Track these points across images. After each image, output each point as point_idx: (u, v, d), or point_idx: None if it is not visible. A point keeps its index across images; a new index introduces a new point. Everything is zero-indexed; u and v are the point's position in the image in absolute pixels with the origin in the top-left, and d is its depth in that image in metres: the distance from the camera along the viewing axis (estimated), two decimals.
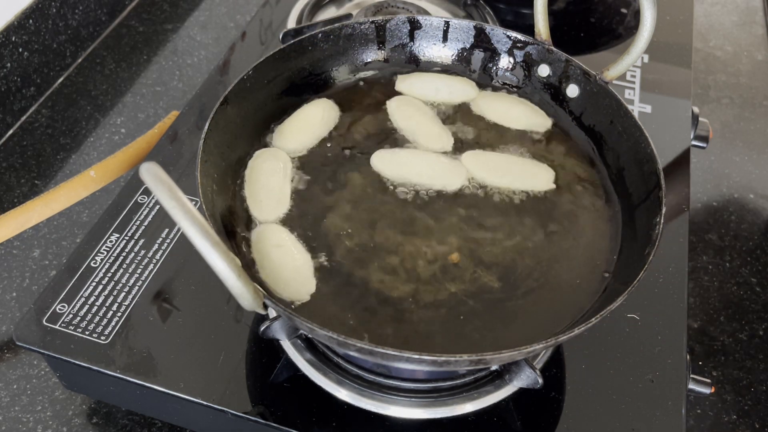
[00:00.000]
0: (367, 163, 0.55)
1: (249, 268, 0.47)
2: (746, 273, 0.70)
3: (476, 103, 0.60)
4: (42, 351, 0.49)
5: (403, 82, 0.61)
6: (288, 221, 0.50)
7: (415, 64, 0.63)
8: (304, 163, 0.54)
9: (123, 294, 0.53)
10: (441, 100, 0.60)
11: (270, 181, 0.52)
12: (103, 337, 0.50)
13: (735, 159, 0.81)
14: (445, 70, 0.62)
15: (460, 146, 0.57)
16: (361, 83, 0.61)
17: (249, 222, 0.50)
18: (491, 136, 0.58)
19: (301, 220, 0.50)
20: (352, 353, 0.42)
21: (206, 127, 0.49)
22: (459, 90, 0.61)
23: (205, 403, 0.48)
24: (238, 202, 0.51)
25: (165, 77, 0.84)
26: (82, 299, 0.52)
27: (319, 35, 0.59)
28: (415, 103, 0.59)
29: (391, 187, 0.53)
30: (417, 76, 0.61)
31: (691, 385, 0.52)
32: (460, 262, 0.49)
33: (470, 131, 0.58)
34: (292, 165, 0.54)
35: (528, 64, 0.60)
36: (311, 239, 0.49)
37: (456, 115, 0.59)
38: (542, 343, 0.40)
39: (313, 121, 0.57)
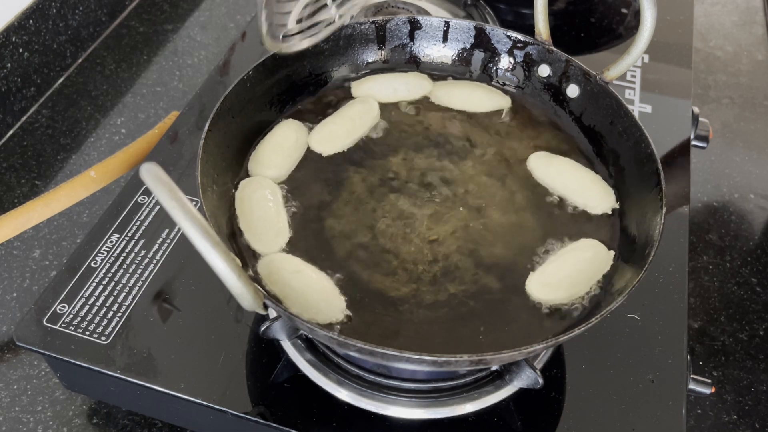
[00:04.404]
0: (354, 172, 0.54)
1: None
2: (746, 273, 0.70)
3: (435, 95, 0.60)
4: (42, 351, 0.49)
5: (359, 87, 0.60)
6: (293, 248, 0.49)
7: (415, 65, 0.63)
8: (292, 186, 0.53)
9: (123, 294, 0.53)
10: (401, 98, 0.60)
11: (265, 212, 0.50)
12: (103, 338, 0.50)
13: (735, 159, 0.81)
14: (442, 70, 0.63)
15: (443, 142, 0.57)
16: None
17: (252, 257, 0.48)
18: (464, 124, 0.59)
19: (306, 243, 0.49)
20: (352, 353, 0.42)
21: (206, 127, 0.49)
22: (416, 85, 0.61)
23: (205, 403, 0.48)
24: (236, 236, 0.49)
25: (165, 77, 0.84)
26: (83, 299, 0.52)
27: None
28: (558, 158, 0.56)
29: (384, 189, 0.53)
30: (372, 80, 0.61)
31: (692, 385, 0.52)
32: (449, 251, 0.49)
33: (445, 124, 0.58)
34: (281, 191, 0.52)
35: (528, 65, 0.61)
36: (321, 259, 0.48)
37: (420, 109, 0.59)
38: (542, 343, 0.40)
39: (287, 144, 0.55)
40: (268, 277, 0.47)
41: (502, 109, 0.60)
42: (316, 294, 0.46)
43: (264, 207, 0.50)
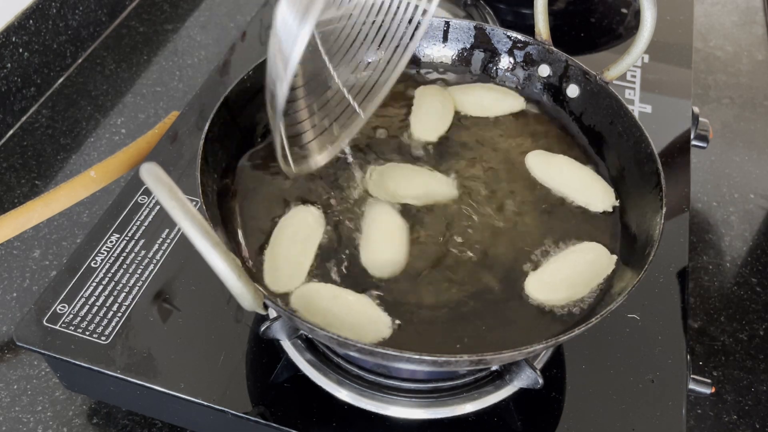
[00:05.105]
0: (355, 172, 0.54)
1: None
2: (746, 273, 0.70)
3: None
4: (42, 351, 0.49)
5: None
6: (319, 275, 0.48)
7: (416, 65, 0.63)
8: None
9: (123, 294, 0.53)
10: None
11: (291, 249, 0.49)
12: (103, 338, 0.50)
13: (735, 159, 0.81)
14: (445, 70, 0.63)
15: (442, 142, 0.57)
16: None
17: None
18: (463, 123, 0.58)
19: (333, 266, 0.48)
20: (352, 353, 0.42)
21: (206, 127, 0.49)
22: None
23: (205, 403, 0.48)
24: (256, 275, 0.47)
25: (165, 77, 0.84)
26: (83, 299, 0.52)
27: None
28: (556, 156, 0.56)
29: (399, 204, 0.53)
30: None
31: (692, 386, 0.52)
32: (450, 251, 0.49)
33: (462, 133, 0.58)
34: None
35: (528, 65, 0.60)
36: (352, 280, 0.47)
37: None
38: (542, 343, 0.40)
39: None
40: (306, 309, 0.45)
41: (514, 111, 0.59)
42: (361, 316, 0.45)
43: (292, 245, 0.49)
